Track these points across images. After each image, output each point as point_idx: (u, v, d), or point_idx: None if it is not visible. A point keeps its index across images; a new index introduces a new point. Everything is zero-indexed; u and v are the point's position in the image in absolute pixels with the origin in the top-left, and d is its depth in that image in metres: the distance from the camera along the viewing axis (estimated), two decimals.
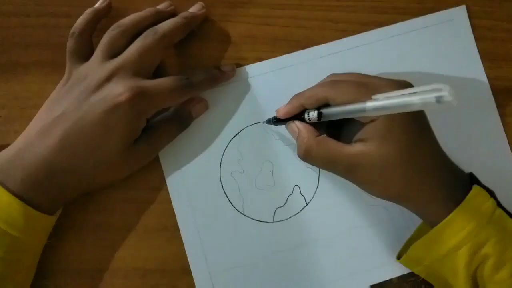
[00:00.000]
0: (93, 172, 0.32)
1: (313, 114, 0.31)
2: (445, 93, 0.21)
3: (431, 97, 0.22)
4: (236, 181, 0.36)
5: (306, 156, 0.31)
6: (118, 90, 0.31)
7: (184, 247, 0.35)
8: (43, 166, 0.30)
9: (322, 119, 0.31)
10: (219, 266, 0.35)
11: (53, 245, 0.35)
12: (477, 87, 0.38)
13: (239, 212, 0.36)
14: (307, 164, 0.36)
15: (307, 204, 0.36)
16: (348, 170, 0.31)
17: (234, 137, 0.37)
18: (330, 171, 0.32)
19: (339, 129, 0.33)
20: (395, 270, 0.35)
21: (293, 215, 0.36)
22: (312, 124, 0.32)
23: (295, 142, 0.36)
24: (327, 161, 0.31)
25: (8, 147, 0.32)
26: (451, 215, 0.29)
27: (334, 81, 0.31)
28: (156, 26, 0.34)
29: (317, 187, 0.36)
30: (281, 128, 0.37)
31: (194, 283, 0.35)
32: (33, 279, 0.34)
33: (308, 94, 0.31)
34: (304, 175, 0.36)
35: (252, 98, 0.37)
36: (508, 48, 0.38)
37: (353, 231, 0.36)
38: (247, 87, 0.37)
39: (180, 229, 0.36)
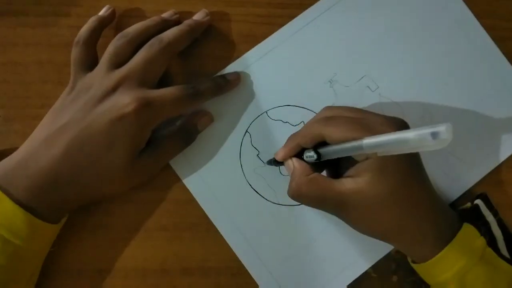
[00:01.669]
0: (97, 183, 0.32)
1: (310, 154, 0.30)
2: (441, 128, 0.21)
3: (426, 132, 0.21)
4: (262, 176, 0.36)
5: (296, 195, 0.31)
6: (124, 100, 0.30)
7: (184, 247, 0.35)
8: (47, 176, 0.30)
9: (322, 159, 0.30)
10: (275, 261, 0.35)
11: (53, 245, 0.34)
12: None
13: (275, 203, 0.36)
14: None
15: None
16: (337, 208, 0.30)
17: (244, 135, 0.37)
18: (321, 209, 0.31)
19: (336, 166, 0.33)
20: None
21: None
22: (313, 163, 0.31)
23: (303, 120, 0.37)
24: (316, 200, 0.30)
25: (11, 155, 0.31)
26: (441, 253, 0.29)
27: (329, 117, 0.30)
28: (161, 35, 0.33)
29: None
30: (285, 111, 0.37)
31: (194, 283, 0.35)
32: None
33: (303, 133, 0.31)
34: None
35: (248, 92, 0.37)
36: (511, 46, 0.38)
37: None
38: (240, 85, 0.37)
39: (225, 238, 0.35)
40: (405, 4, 0.38)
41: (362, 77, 0.37)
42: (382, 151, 0.25)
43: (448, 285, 0.30)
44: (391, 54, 0.38)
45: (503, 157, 0.37)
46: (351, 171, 0.29)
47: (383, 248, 0.35)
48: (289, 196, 0.31)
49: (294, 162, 0.31)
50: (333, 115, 0.30)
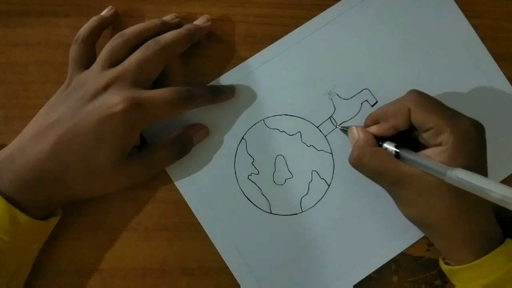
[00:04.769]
0: (82, 181, 0.31)
1: (391, 149, 0.32)
2: None
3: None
4: (255, 183, 0.36)
5: (357, 163, 0.32)
6: (113, 100, 0.30)
7: (184, 247, 0.35)
8: (32, 171, 0.30)
9: (399, 156, 0.31)
10: (263, 269, 0.35)
11: (53, 245, 0.35)
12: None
13: (267, 212, 0.36)
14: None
15: (329, 185, 0.36)
16: (393, 185, 0.31)
17: (240, 142, 0.36)
18: (375, 182, 0.32)
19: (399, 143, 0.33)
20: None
21: (319, 200, 0.36)
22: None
23: (300, 130, 0.36)
24: (376, 172, 0.31)
25: (3, 149, 0.31)
26: (479, 260, 0.29)
27: (450, 115, 0.30)
28: (158, 37, 0.33)
29: (333, 166, 0.36)
30: (282, 120, 0.37)
31: (194, 283, 0.35)
32: (32, 279, 0.34)
33: (394, 113, 0.32)
34: (319, 158, 0.36)
35: (246, 99, 0.37)
36: (510, 47, 0.38)
37: (381, 199, 0.36)
38: (238, 91, 0.37)
39: (214, 244, 0.35)
40: (408, 20, 0.38)
41: (361, 90, 0.37)
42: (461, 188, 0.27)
43: None
44: (391, 69, 0.37)
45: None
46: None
47: (370, 265, 0.36)
48: (350, 163, 0.33)
49: (359, 131, 0.33)
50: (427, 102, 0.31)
